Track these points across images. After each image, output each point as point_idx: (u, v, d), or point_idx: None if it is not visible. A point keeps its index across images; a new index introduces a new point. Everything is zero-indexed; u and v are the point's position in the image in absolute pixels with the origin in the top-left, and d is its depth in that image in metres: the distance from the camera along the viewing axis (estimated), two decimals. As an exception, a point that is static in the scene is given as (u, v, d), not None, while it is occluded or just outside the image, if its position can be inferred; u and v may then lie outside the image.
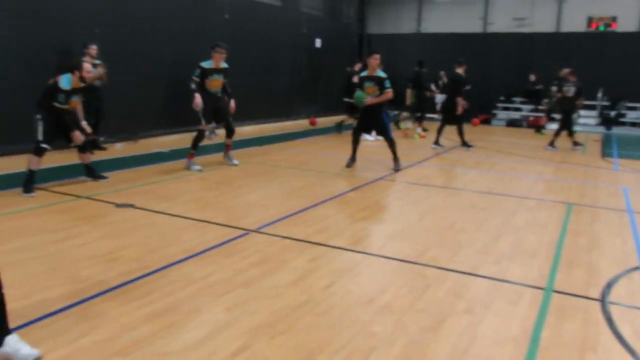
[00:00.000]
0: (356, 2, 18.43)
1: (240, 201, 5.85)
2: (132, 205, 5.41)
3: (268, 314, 3.13)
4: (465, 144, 10.55)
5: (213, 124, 7.94)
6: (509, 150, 10.71)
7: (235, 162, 7.91)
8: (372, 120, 7.89)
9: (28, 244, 4.22)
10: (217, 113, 7.52)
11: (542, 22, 17.25)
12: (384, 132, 7.94)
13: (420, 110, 13.61)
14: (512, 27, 17.66)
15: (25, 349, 2.58)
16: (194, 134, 7.52)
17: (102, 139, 9.19)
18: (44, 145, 5.84)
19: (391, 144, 7.95)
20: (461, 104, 10.23)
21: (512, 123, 16.42)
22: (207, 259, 4.00)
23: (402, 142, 11.38)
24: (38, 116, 5.83)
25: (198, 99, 7.21)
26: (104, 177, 6.51)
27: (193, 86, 7.26)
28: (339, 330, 2.99)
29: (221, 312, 3.13)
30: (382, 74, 7.81)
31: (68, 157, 7.17)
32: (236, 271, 3.77)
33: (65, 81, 5.90)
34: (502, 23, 17.85)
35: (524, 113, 16.78)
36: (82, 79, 5.97)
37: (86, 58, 8.09)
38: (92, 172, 6.47)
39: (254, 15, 12.97)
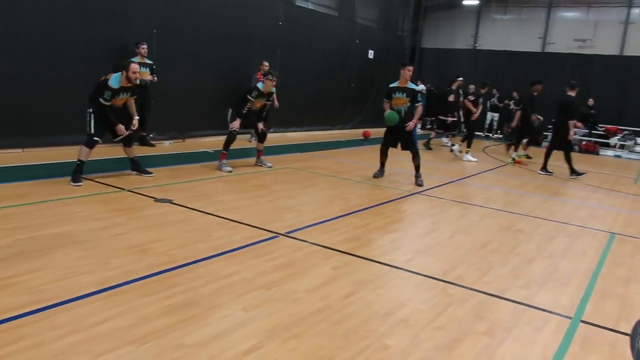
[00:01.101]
0: (411, 15, 18.37)
1: (275, 205, 5.94)
2: (170, 201, 5.59)
3: (284, 317, 3.17)
4: (574, 171, 9.78)
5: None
6: (555, 174, 10.38)
7: (269, 164, 8.12)
8: (400, 134, 7.72)
9: (69, 229, 4.43)
10: (249, 120, 7.79)
11: (604, 44, 16.67)
12: (410, 144, 7.82)
13: (524, 134, 11.70)
14: (573, 47, 17.17)
15: None
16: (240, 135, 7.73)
17: (151, 135, 9.54)
18: (95, 138, 6.13)
19: (416, 157, 7.84)
20: (574, 128, 9.72)
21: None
22: (233, 258, 4.09)
23: (444, 157, 11.26)
24: (90, 110, 6.12)
25: (238, 123, 7.55)
26: (149, 172, 6.75)
27: (244, 111, 7.54)
28: (353, 340, 2.99)
29: (239, 311, 3.20)
30: (414, 87, 7.79)
31: (118, 151, 7.48)
32: (260, 272, 3.83)
33: (114, 80, 6.15)
34: (562, 43, 17.38)
35: (577, 137, 16.20)
36: (128, 78, 6.19)
37: (136, 57, 8.49)
38: (138, 166, 6.73)
39: (308, 23, 13.16)
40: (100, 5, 8.39)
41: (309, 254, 4.36)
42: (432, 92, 18.41)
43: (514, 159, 11.32)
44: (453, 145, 11.74)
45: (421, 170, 7.95)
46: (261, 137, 8.06)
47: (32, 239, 4.11)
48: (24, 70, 7.52)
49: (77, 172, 6.01)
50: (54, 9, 7.79)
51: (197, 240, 4.43)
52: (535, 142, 12.03)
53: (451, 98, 11.76)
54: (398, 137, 7.82)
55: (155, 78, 8.96)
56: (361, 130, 15.47)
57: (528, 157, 11.82)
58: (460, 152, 11.43)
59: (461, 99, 12.37)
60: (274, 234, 4.77)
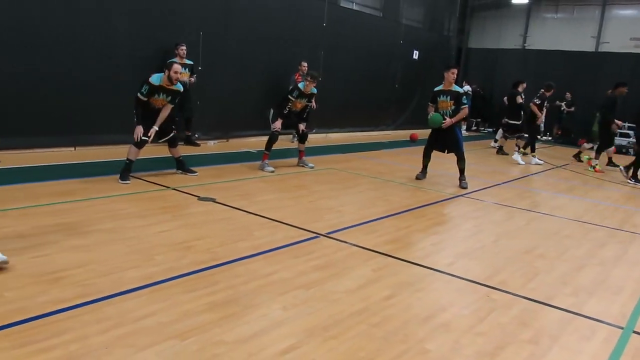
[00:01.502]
0: (457, 15, 18.05)
1: (316, 205, 5.94)
2: (213, 200, 5.68)
3: (323, 318, 3.16)
4: (635, 177, 9.40)
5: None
6: (608, 177, 9.96)
7: (311, 165, 8.16)
8: (445, 136, 7.67)
9: (117, 226, 4.57)
10: (290, 120, 7.86)
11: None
12: (456, 147, 7.76)
13: (608, 143, 10.78)
14: (629, 47, 16.44)
15: None
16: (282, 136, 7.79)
17: (196, 135, 9.74)
18: (144, 138, 6.30)
19: (461, 160, 7.75)
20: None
21: (617, 149, 15.22)
22: (273, 257, 4.11)
23: (494, 160, 11.00)
24: (135, 111, 6.29)
25: (279, 123, 7.61)
26: (193, 172, 6.88)
27: (286, 111, 7.62)
28: (392, 343, 2.95)
29: (278, 310, 3.21)
30: (459, 89, 7.71)
31: (164, 150, 7.66)
32: (299, 272, 3.84)
33: (155, 77, 6.28)
34: (617, 42, 16.67)
35: (632, 139, 15.51)
36: (169, 78, 6.27)
37: (176, 58, 8.69)
38: (183, 165, 6.87)
39: (352, 24, 13.12)
40: (149, 7, 8.63)
41: (349, 255, 4.34)
42: (478, 93, 18.06)
43: (593, 167, 10.66)
44: (518, 150, 11.23)
45: (465, 173, 7.81)
46: (302, 138, 8.10)
47: (81, 234, 4.26)
48: (76, 70, 7.81)
49: (125, 170, 6.19)
50: (105, 10, 8.06)
51: (239, 238, 4.48)
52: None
53: (519, 100, 11.38)
54: (443, 140, 7.75)
55: (193, 79, 9.10)
56: (405, 132, 15.30)
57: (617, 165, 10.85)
58: (526, 154, 11.09)
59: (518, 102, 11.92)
60: (315, 234, 4.78)
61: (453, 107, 7.55)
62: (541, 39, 17.83)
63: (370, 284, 3.76)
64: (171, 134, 6.65)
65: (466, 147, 13.38)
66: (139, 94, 6.26)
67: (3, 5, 6.94)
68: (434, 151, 8.00)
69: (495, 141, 13.30)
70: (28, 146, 7.43)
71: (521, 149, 11.22)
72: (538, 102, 10.92)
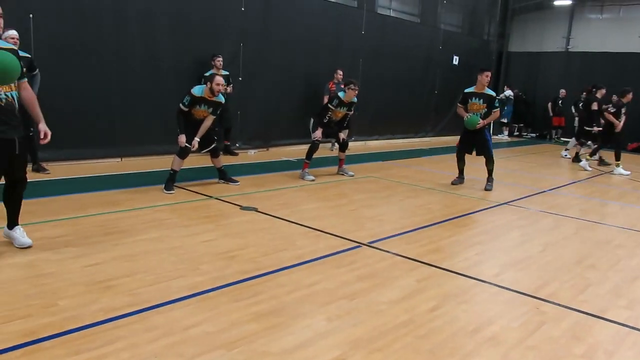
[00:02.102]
0: (497, 19, 17.73)
1: (357, 214, 5.92)
2: (255, 209, 5.74)
3: (368, 329, 3.14)
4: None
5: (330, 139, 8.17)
6: (662, 184, 9.56)
7: (351, 173, 8.14)
8: (475, 138, 7.67)
9: (162, 235, 4.67)
10: (330, 129, 7.86)
11: None
12: (485, 149, 7.73)
13: None
14: (681, 46, 15.78)
15: (25, 239, 4.01)
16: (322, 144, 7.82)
17: (237, 144, 9.88)
18: (187, 146, 6.37)
19: (490, 161, 7.76)
20: None
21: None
22: (316, 267, 4.11)
23: (538, 167, 10.72)
24: (178, 121, 6.41)
25: (320, 132, 7.64)
26: (235, 181, 6.97)
27: (326, 120, 7.65)
28: (438, 356, 2.89)
29: (322, 321, 3.20)
30: (492, 92, 7.68)
31: (206, 160, 7.80)
32: (343, 282, 3.82)
33: (198, 89, 6.42)
34: (668, 42, 16.03)
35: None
36: (211, 90, 6.36)
37: (212, 70, 8.85)
38: (225, 175, 6.97)
39: (390, 31, 13.08)
40: (190, 20, 8.83)
41: (392, 264, 4.29)
42: (520, 98, 17.67)
43: None
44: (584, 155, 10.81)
45: (494, 175, 7.76)
46: (343, 147, 8.09)
47: (128, 244, 4.37)
48: (121, 83, 8.07)
49: (170, 180, 6.32)
50: (148, 24, 8.31)
51: (281, 248, 4.51)
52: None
53: (594, 107, 10.99)
54: (474, 142, 7.76)
55: (229, 89, 9.21)
56: (445, 139, 15.11)
57: None
58: (588, 159, 10.73)
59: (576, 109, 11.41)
60: (356, 244, 4.75)
61: (485, 110, 7.53)
62: (586, 41, 17.30)
63: (414, 294, 3.71)
64: (213, 145, 6.74)
65: (509, 153, 13.19)
66: (181, 105, 6.40)
67: (53, 21, 7.23)
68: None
69: (567, 150, 12.78)
70: (76, 158, 7.70)
71: (587, 156, 10.85)
72: (613, 110, 10.45)
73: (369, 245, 4.75)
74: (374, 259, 4.41)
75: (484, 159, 7.79)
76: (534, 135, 18.09)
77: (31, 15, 7.02)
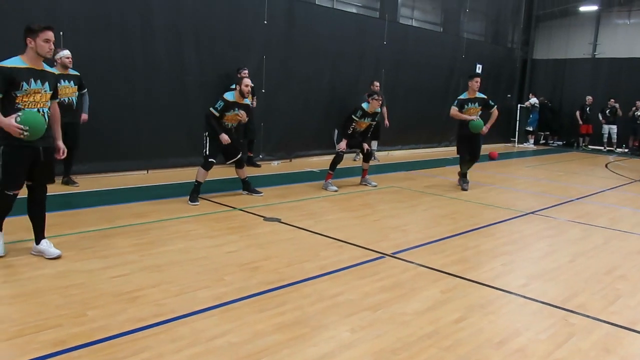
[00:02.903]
0: (521, 26, 17.56)
1: (380, 224, 5.90)
2: (279, 220, 5.77)
3: (392, 340, 3.11)
4: None
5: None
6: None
7: (374, 183, 8.15)
8: (476, 142, 8.13)
9: (188, 246, 4.73)
10: (354, 140, 7.88)
11: None
12: (479, 153, 8.26)
13: None
14: None
15: (53, 249, 4.16)
16: (347, 154, 7.85)
17: (260, 156, 9.96)
18: (211, 160, 6.49)
19: (475, 162, 8.32)
20: None
21: None
22: (339, 278, 4.11)
23: (565, 175, 10.53)
24: (205, 133, 6.51)
25: (344, 144, 7.66)
26: (258, 192, 7.03)
27: (350, 131, 7.67)
28: (464, 368, 2.86)
29: (346, 332, 3.19)
30: (483, 95, 8.18)
31: (230, 171, 7.89)
32: (366, 293, 3.81)
33: (229, 94, 6.55)
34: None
35: None
36: (241, 92, 6.49)
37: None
38: (249, 186, 7.03)
39: (412, 40, 13.08)
40: (216, 35, 8.99)
41: (416, 275, 4.26)
42: (546, 105, 17.43)
43: None
44: None
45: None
46: (367, 157, 8.09)
47: (154, 255, 4.43)
48: (148, 97, 8.24)
49: (194, 192, 6.40)
50: (177, 41, 8.51)
51: (305, 259, 4.52)
52: None
53: None
54: (476, 146, 8.16)
55: (254, 103, 9.32)
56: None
57: None
58: None
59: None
60: (380, 254, 4.74)
61: (480, 112, 8.08)
62: (613, 47, 16.99)
63: (439, 305, 3.67)
64: (238, 156, 6.79)
65: (535, 161, 13.01)
66: (212, 110, 6.45)
67: (82, 38, 7.44)
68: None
69: None
70: (104, 170, 7.88)
71: None
72: None
73: (392, 255, 4.73)
74: (398, 269, 4.38)
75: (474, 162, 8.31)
76: (560, 143, 17.78)
77: (61, 33, 7.23)
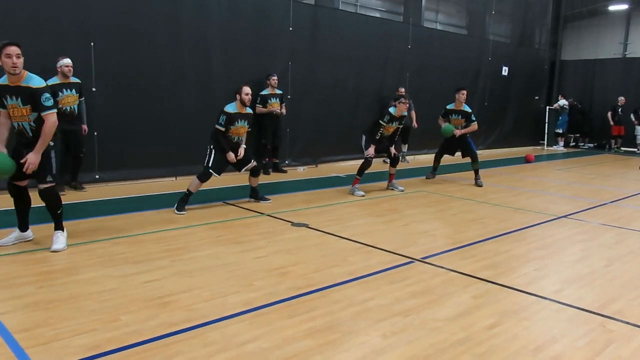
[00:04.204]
0: (549, 27, 17.27)
1: (409, 229, 5.85)
2: (306, 225, 5.77)
3: (424, 346, 3.07)
4: None
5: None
6: None
7: (401, 188, 8.07)
8: (459, 143, 9.00)
9: (217, 252, 4.77)
10: (382, 145, 7.83)
11: None
12: (469, 150, 9.01)
13: None
14: None
15: (63, 242, 4.59)
16: (377, 158, 7.85)
17: (286, 162, 10.00)
18: (210, 171, 6.34)
19: (475, 161, 8.98)
20: None
21: None
22: (369, 283, 4.08)
23: (598, 179, 10.29)
24: (210, 146, 6.42)
25: (373, 150, 7.61)
26: (266, 199, 6.91)
27: (378, 136, 7.63)
28: (499, 375, 2.80)
29: (377, 337, 3.16)
30: (468, 109, 8.97)
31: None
32: (396, 299, 3.77)
33: (230, 106, 6.39)
34: None
35: None
36: (242, 101, 6.36)
37: (267, 89, 9.08)
38: (257, 194, 6.89)
39: (437, 44, 12.99)
40: (242, 43, 9.09)
41: (446, 280, 4.20)
42: (576, 107, 17.08)
43: None
44: None
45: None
46: (394, 162, 8.04)
47: (185, 260, 4.48)
48: (176, 105, 8.36)
49: (182, 201, 6.21)
50: (204, 49, 8.63)
51: (333, 264, 4.50)
52: None
53: None
54: (457, 146, 9.10)
55: (284, 111, 9.40)
56: (497, 151, 14.82)
57: None
58: None
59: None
60: (409, 259, 4.69)
61: (464, 124, 8.91)
62: (645, 46, 16.60)
63: (471, 311, 3.61)
64: (252, 164, 6.65)
65: (566, 164, 12.75)
66: (217, 126, 6.36)
67: (113, 49, 7.60)
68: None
69: None
70: (134, 178, 8.02)
71: None
72: None
73: (422, 260, 4.68)
74: (427, 274, 4.33)
75: (471, 161, 9.00)
76: (591, 145, 17.39)
77: (92, 44, 7.41)
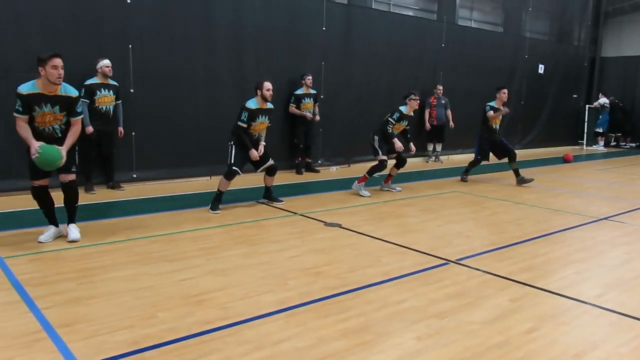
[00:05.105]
0: (589, 23, 16.78)
1: (443, 230, 5.77)
2: (339, 225, 5.76)
3: (460, 350, 3.02)
4: None
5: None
6: None
7: (398, 189, 7.93)
8: (501, 147, 8.97)
9: (251, 251, 4.81)
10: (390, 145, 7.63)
11: None
12: (507, 150, 8.91)
13: None
14: None
15: (78, 234, 4.88)
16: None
17: (319, 161, 10.02)
18: (234, 169, 6.33)
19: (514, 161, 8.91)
20: None
21: None
22: (403, 284, 4.04)
23: (637, 179, 9.94)
24: (231, 142, 6.40)
25: (398, 142, 7.50)
26: (279, 200, 6.81)
27: (389, 129, 7.51)
28: (538, 380, 2.73)
29: (412, 340, 3.13)
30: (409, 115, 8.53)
31: (292, 177, 7.99)
32: (431, 300, 3.72)
33: (251, 102, 6.33)
34: None
35: None
36: (263, 97, 6.33)
37: (302, 88, 9.12)
38: (270, 194, 6.82)
39: (472, 42, 12.78)
40: (277, 43, 9.15)
41: (482, 282, 4.13)
42: (617, 105, 16.54)
43: None
44: None
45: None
46: (400, 163, 7.82)
47: (219, 259, 4.53)
48: (211, 106, 8.48)
49: (215, 201, 6.27)
50: (239, 50, 8.73)
51: (367, 264, 4.48)
52: None
53: None
54: (502, 151, 8.97)
55: (318, 117, 9.45)
56: (534, 151, 14.50)
57: None
58: None
59: None
60: (444, 261, 4.63)
61: (407, 127, 8.01)
62: (692, 41, 15.95)
63: (508, 315, 3.53)
64: (269, 163, 6.59)
65: (606, 164, 12.40)
66: (239, 123, 6.31)
67: (149, 50, 7.75)
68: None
69: None
70: (169, 177, 8.16)
71: None
72: None
73: (457, 262, 4.61)
74: (463, 276, 4.26)
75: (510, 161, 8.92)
76: (633, 145, 16.82)
77: (130, 46, 7.58)
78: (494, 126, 8.86)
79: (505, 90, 8.85)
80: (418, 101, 7.62)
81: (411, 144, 7.81)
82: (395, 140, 7.50)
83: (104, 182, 7.47)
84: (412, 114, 7.65)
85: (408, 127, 7.79)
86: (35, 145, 4.50)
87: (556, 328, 3.36)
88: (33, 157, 4.50)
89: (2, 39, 6.61)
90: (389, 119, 7.53)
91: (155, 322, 3.25)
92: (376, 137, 7.65)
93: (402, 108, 7.56)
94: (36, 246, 4.71)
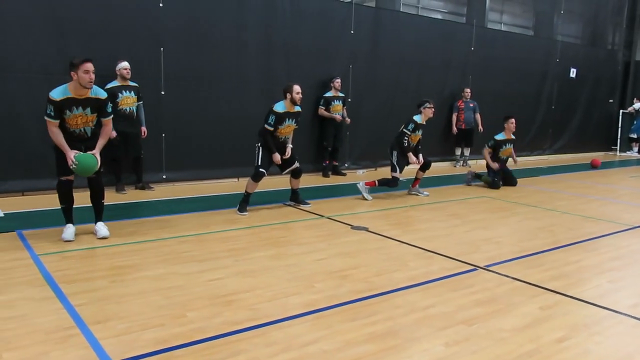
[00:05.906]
0: (624, 26, 16.38)
1: (472, 236, 5.70)
2: (366, 229, 5.74)
3: (490, 357, 2.98)
4: None
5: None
6: None
7: (426, 193, 7.85)
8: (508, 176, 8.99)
9: (278, 253, 4.83)
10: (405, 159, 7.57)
11: None
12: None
13: None
14: None
15: (105, 230, 5.02)
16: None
17: (346, 164, 10.01)
18: (261, 170, 6.30)
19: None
20: None
21: None
22: (431, 289, 4.01)
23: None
24: (258, 144, 6.44)
25: (413, 157, 7.46)
26: (307, 203, 6.81)
27: (405, 142, 7.42)
28: (570, 391, 2.67)
29: (440, 346, 3.10)
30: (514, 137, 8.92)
31: (318, 179, 8.00)
32: (459, 306, 3.68)
33: (279, 105, 6.33)
34: None
35: None
36: (292, 100, 6.33)
37: (331, 91, 9.14)
38: (297, 197, 6.82)
39: (501, 45, 12.61)
40: (305, 47, 9.19)
41: (512, 289, 4.06)
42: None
43: None
44: None
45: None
46: (425, 167, 7.72)
47: (247, 260, 4.56)
48: (240, 109, 8.56)
49: (243, 202, 6.31)
50: (268, 53, 8.80)
51: (393, 269, 4.46)
52: None
53: None
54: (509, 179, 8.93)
55: (348, 120, 9.48)
56: (565, 157, 14.24)
57: None
58: None
59: None
60: (473, 267, 4.57)
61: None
62: None
63: (538, 323, 3.47)
64: (295, 166, 6.60)
65: (641, 171, 12.06)
66: (266, 126, 6.33)
67: (181, 53, 7.88)
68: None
69: None
70: (198, 178, 8.27)
71: None
72: None
73: (486, 268, 4.55)
74: (492, 283, 4.20)
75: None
76: None
77: (162, 49, 7.72)
78: (503, 157, 8.92)
79: (513, 120, 8.84)
80: (433, 109, 7.51)
81: (420, 155, 7.62)
82: (410, 154, 7.42)
83: (134, 182, 7.60)
84: (425, 122, 7.53)
85: (420, 138, 7.67)
86: (72, 155, 4.71)
87: (589, 338, 3.28)
88: (71, 167, 4.72)
89: (44, 42, 6.80)
90: (405, 130, 7.40)
91: (184, 321, 3.29)
92: (395, 152, 7.54)
93: (416, 117, 7.44)
94: (69, 244, 4.82)
